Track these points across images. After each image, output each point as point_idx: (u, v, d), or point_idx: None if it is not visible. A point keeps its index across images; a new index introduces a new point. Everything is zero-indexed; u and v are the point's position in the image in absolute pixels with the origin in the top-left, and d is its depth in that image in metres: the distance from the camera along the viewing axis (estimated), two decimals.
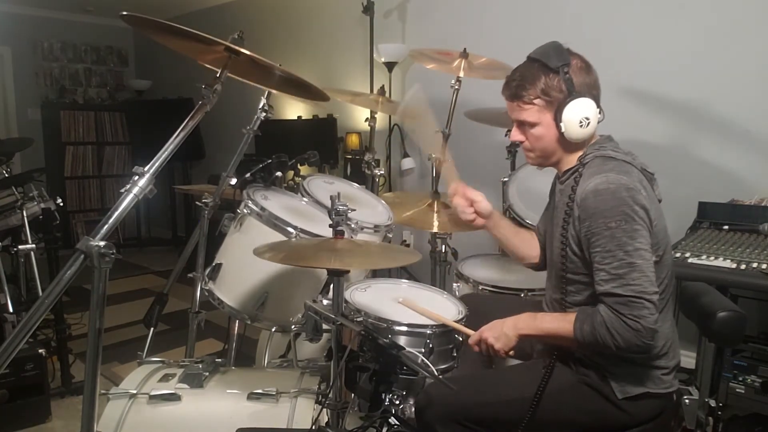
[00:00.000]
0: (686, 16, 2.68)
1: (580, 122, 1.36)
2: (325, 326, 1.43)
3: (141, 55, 6.64)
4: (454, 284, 2.16)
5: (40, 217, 2.77)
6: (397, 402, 1.39)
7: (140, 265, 5.33)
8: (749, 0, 2.51)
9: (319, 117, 4.55)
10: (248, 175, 2.11)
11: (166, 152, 1.24)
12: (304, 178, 2.27)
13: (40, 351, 2.46)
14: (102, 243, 1.08)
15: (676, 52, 2.72)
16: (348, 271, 1.51)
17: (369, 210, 2.23)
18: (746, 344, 2.00)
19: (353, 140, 4.25)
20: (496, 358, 1.45)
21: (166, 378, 1.70)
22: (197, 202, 2.32)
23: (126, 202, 1.16)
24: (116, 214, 1.15)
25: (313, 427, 1.50)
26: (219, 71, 1.39)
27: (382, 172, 3.08)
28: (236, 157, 2.22)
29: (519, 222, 2.33)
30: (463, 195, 1.69)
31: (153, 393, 1.61)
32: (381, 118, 3.81)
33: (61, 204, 2.90)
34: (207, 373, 1.72)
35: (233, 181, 2.17)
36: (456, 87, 2.57)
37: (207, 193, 2.31)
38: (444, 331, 1.58)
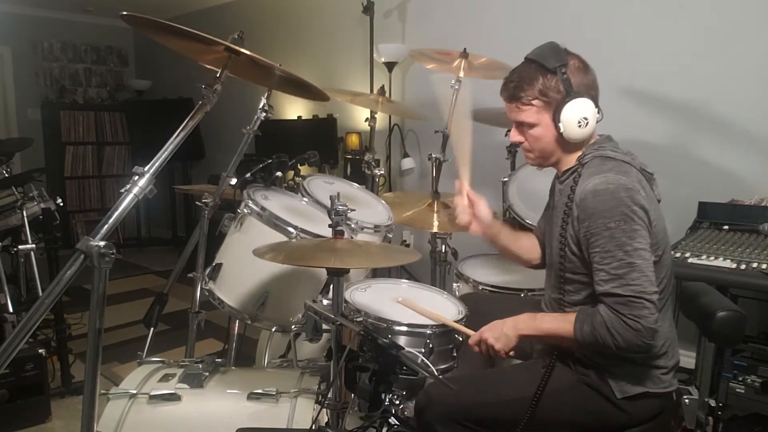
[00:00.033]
0: (686, 16, 2.68)
1: (579, 122, 1.36)
2: (325, 326, 1.43)
3: (141, 55, 6.64)
4: (454, 284, 2.16)
5: (40, 217, 2.77)
6: (397, 402, 1.39)
7: (140, 265, 5.33)
8: (749, 0, 2.51)
9: (319, 117, 4.55)
10: (248, 175, 2.11)
11: (166, 152, 1.24)
12: (304, 178, 2.27)
13: (40, 351, 2.46)
14: (102, 243, 1.08)
15: (676, 52, 2.72)
16: (348, 271, 1.51)
17: (369, 210, 2.23)
18: (746, 344, 2.00)
19: (353, 140, 4.25)
20: (497, 358, 1.45)
21: (166, 378, 1.70)
22: (197, 202, 2.32)
23: (126, 202, 1.16)
24: (116, 214, 1.15)
25: (313, 427, 1.50)
26: (219, 71, 1.39)
27: (382, 172, 3.08)
28: (236, 157, 2.22)
29: (519, 223, 2.34)
30: (466, 195, 1.69)
31: (153, 393, 1.61)
32: (381, 118, 3.81)
33: (61, 204, 2.90)
34: (207, 373, 1.72)
35: (233, 181, 2.17)
36: (456, 87, 2.57)
37: (207, 193, 2.31)
38: (444, 331, 1.58)
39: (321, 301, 1.65)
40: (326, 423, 1.51)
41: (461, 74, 2.53)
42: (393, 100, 3.57)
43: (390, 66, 3.80)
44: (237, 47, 1.39)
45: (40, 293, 2.57)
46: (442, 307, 1.71)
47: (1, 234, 2.82)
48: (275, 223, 1.87)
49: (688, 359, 2.30)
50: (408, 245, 3.75)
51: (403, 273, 3.30)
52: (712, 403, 1.95)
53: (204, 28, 1.31)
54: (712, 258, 1.95)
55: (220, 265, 1.98)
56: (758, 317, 2.28)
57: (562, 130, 1.38)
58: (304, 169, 2.39)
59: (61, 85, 6.09)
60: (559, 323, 1.36)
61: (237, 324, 2.28)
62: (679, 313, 1.71)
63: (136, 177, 1.18)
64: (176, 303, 3.20)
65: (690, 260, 1.96)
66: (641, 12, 2.82)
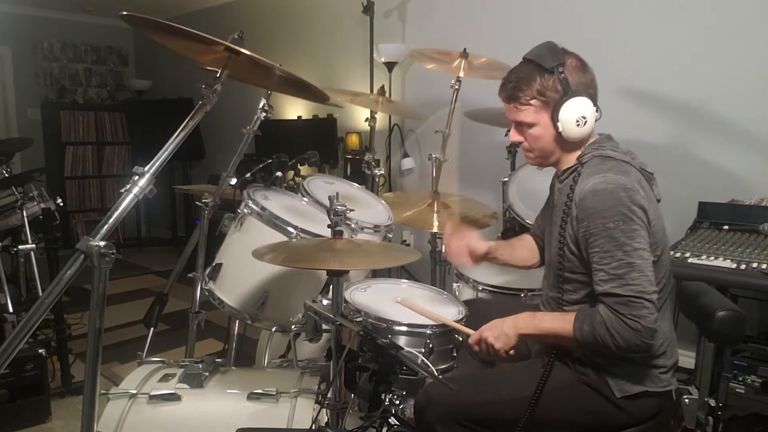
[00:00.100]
0: (686, 16, 2.68)
1: (577, 121, 1.36)
2: (324, 326, 1.43)
3: (141, 55, 6.64)
4: (454, 284, 2.16)
5: (40, 217, 2.77)
6: (397, 402, 1.39)
7: (140, 265, 5.33)
8: (749, 0, 2.51)
9: (319, 117, 4.55)
10: (248, 175, 2.11)
11: (166, 152, 1.24)
12: (304, 178, 2.28)
13: (40, 351, 2.46)
14: (102, 243, 1.08)
15: (676, 52, 2.72)
16: (348, 271, 1.51)
17: (369, 210, 2.23)
18: (746, 344, 2.00)
19: (353, 140, 4.25)
20: (496, 357, 1.45)
21: (166, 378, 1.71)
22: (197, 202, 2.33)
23: (126, 202, 1.16)
24: (116, 214, 1.15)
25: (313, 427, 1.50)
26: (219, 71, 1.39)
27: (382, 172, 3.08)
28: (236, 157, 2.22)
29: (519, 223, 2.34)
30: (461, 239, 1.68)
31: (153, 393, 1.61)
32: (381, 118, 3.81)
33: (61, 204, 2.90)
34: (207, 373, 1.72)
35: (233, 181, 2.17)
36: (456, 87, 2.57)
37: (207, 193, 2.31)
38: (444, 331, 1.58)
39: (321, 301, 1.65)
40: (326, 423, 1.51)
41: (461, 74, 2.53)
42: (393, 100, 3.57)
43: (390, 66, 3.80)
44: (237, 47, 1.39)
45: (40, 293, 2.57)
46: (442, 307, 1.71)
47: (1, 234, 2.82)
48: (275, 223, 1.87)
49: (688, 359, 2.30)
50: (408, 245, 3.75)
51: (403, 273, 3.30)
52: (712, 403, 1.95)
53: (204, 28, 1.31)
54: (712, 258, 1.95)
55: (220, 265, 1.98)
56: (758, 317, 2.29)
57: (560, 130, 1.38)
58: (304, 169, 2.40)
59: (61, 85, 6.09)
60: (559, 322, 1.36)
61: (237, 324, 2.28)
62: (679, 313, 1.71)
63: (136, 177, 1.18)
64: (176, 303, 3.20)
65: (690, 260, 1.96)
66: (641, 12, 2.82)
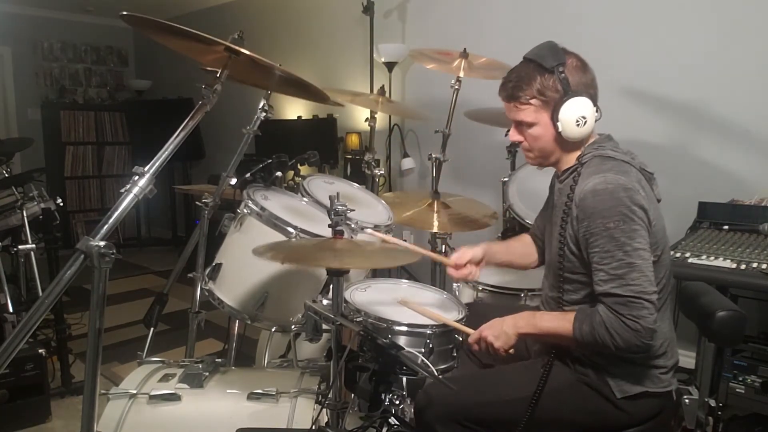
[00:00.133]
0: (686, 16, 2.68)
1: (577, 121, 1.36)
2: (325, 326, 1.43)
3: (141, 55, 6.64)
4: (454, 284, 2.16)
5: (40, 217, 2.77)
6: (397, 402, 1.39)
7: (140, 265, 5.33)
8: (749, 0, 2.51)
9: (319, 117, 4.55)
10: (248, 175, 2.11)
11: (166, 152, 1.24)
12: (304, 178, 2.27)
13: (40, 351, 2.46)
14: (102, 243, 1.08)
15: (677, 52, 2.72)
16: (348, 271, 1.51)
17: (369, 210, 2.23)
18: (746, 344, 2.00)
19: (353, 140, 4.25)
20: (496, 357, 1.45)
21: (166, 378, 1.71)
22: (197, 202, 2.33)
23: (126, 202, 1.16)
24: (116, 214, 1.15)
25: (313, 427, 1.50)
26: (219, 71, 1.39)
27: (382, 172, 3.08)
28: (236, 157, 2.22)
29: (519, 223, 2.34)
30: (460, 262, 1.67)
31: (153, 393, 1.61)
32: (381, 118, 3.81)
33: (61, 204, 2.90)
34: (207, 373, 1.72)
35: (233, 181, 2.17)
36: (456, 87, 2.57)
37: (207, 193, 2.31)
38: (444, 331, 1.57)
39: (321, 301, 1.65)
40: (326, 423, 1.51)
41: (461, 74, 2.53)
42: (393, 100, 3.57)
43: (390, 66, 3.80)
44: (237, 47, 1.39)
45: (40, 293, 2.57)
46: (441, 307, 1.71)
47: (1, 234, 2.82)
48: (275, 223, 1.87)
49: (688, 359, 2.30)
50: None
51: (403, 273, 3.30)
52: (712, 403, 1.95)
53: (204, 28, 1.31)
54: (712, 258, 1.95)
55: (219, 265, 1.98)
56: (758, 317, 2.29)
57: (560, 129, 1.38)
58: (304, 169, 2.39)
59: (61, 85, 6.09)
60: (559, 322, 1.36)
61: (237, 324, 2.28)
62: (679, 313, 1.71)
63: (136, 177, 1.18)
64: (176, 303, 3.20)
65: (690, 260, 1.96)
66: (641, 12, 2.82)
